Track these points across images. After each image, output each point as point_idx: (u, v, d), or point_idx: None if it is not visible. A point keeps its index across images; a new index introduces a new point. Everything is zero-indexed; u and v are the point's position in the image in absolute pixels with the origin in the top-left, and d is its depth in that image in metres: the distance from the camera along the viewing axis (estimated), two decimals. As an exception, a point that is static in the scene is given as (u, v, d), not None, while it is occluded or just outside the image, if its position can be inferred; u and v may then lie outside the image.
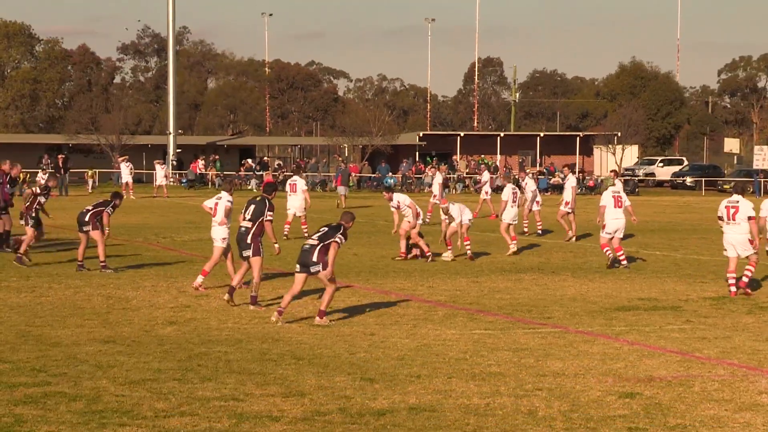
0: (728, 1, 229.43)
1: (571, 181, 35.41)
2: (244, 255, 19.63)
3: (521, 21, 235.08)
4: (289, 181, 34.94)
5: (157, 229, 37.56)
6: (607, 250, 26.43)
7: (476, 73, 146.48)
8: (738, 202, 22.04)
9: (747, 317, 18.94)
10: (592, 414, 11.78)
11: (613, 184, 31.08)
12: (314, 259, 17.21)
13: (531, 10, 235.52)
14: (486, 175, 50.30)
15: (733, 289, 21.44)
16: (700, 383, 13.43)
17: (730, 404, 12.33)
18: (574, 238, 33.61)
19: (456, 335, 16.75)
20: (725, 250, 21.94)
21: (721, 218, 22.08)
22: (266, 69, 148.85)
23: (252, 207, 19.67)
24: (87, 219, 24.35)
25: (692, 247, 32.47)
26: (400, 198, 28.31)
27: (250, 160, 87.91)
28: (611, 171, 43.13)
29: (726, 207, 21.96)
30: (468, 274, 24.67)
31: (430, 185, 46.16)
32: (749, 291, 21.55)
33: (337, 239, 17.17)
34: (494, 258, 28.39)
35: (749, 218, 21.78)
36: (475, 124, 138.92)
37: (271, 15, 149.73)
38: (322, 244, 17.21)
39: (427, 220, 37.02)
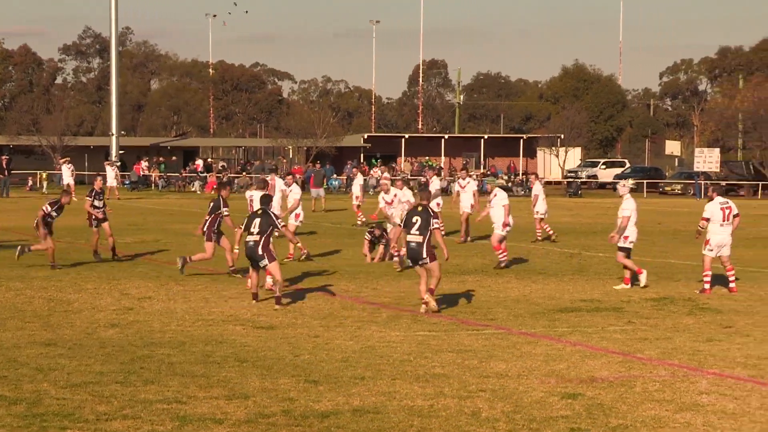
0: (670, 4, 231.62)
1: (536, 188, 35.56)
2: (261, 265, 20.03)
3: (465, 24, 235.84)
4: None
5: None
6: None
7: (421, 75, 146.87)
8: (727, 202, 22.88)
9: (688, 318, 19.11)
10: (535, 415, 11.83)
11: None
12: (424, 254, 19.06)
13: (475, 13, 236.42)
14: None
15: (708, 287, 22.23)
16: (641, 384, 13.53)
17: (671, 404, 12.43)
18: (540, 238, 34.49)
19: (400, 337, 16.76)
20: (711, 250, 22.49)
21: (707, 220, 22.48)
22: (210, 70, 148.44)
23: (257, 221, 20.05)
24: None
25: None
26: (403, 194, 27.84)
27: (200, 162, 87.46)
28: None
29: (721, 209, 22.54)
30: (412, 276, 24.63)
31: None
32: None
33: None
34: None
35: (736, 216, 22.74)
36: (420, 126, 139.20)
37: (215, 16, 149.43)
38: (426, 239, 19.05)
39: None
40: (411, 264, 20.29)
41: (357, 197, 44.18)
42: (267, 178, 27.79)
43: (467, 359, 14.98)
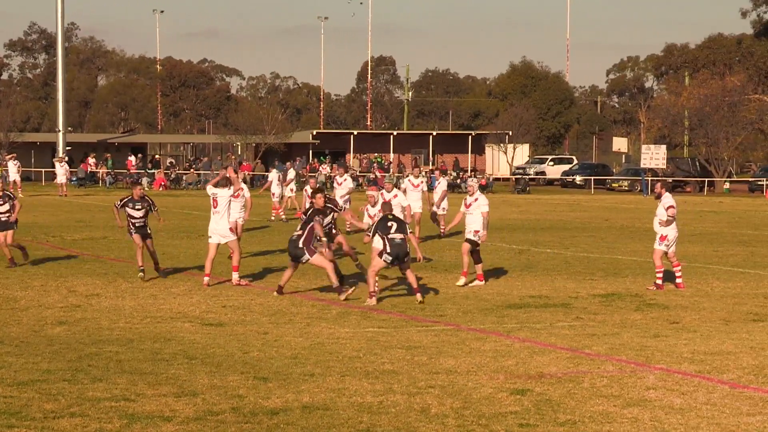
0: (616, 2, 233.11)
1: (442, 185, 35.34)
2: (303, 260, 20.51)
3: (414, 20, 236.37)
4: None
5: (46, 228, 37.00)
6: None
7: (369, 71, 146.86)
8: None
9: (635, 314, 19.26)
10: (484, 411, 11.88)
11: None
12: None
13: (423, 9, 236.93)
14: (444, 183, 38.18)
15: (662, 282, 22.45)
16: (589, 379, 13.61)
17: (619, 400, 12.51)
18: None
19: (349, 333, 16.77)
20: (668, 245, 22.92)
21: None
22: (158, 66, 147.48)
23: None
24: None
25: (582, 245, 32.89)
26: (400, 198, 26.33)
27: (133, 158, 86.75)
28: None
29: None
30: (361, 273, 24.67)
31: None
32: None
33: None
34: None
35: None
36: (369, 123, 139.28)
37: (162, 12, 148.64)
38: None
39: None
40: (394, 262, 20.44)
41: (274, 194, 43.54)
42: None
43: (417, 356, 15.00)
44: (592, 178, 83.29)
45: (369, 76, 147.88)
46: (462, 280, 22.83)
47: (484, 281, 22.98)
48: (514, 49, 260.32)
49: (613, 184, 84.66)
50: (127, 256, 27.60)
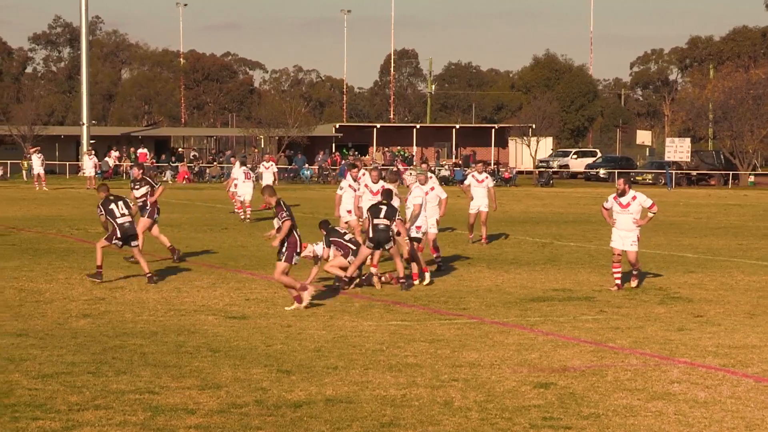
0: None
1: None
2: (386, 247, 21.01)
3: (436, 13, 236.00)
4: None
5: (71, 220, 37.16)
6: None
7: (392, 64, 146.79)
8: None
9: (659, 307, 19.20)
10: (508, 404, 11.86)
11: None
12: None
13: (446, 2, 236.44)
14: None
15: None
16: (613, 373, 13.58)
17: (643, 393, 12.48)
18: None
19: (373, 327, 16.77)
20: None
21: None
22: (181, 60, 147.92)
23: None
24: None
25: (605, 238, 32.57)
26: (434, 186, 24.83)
27: (145, 150, 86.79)
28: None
29: None
30: (384, 266, 24.67)
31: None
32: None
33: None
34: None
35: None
36: (392, 116, 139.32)
37: (185, 5, 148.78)
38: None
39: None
40: (377, 248, 20.98)
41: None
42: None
43: (440, 349, 15.00)
44: (616, 171, 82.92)
45: (392, 69, 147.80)
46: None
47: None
48: (537, 41, 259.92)
49: (637, 177, 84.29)
50: (152, 250, 27.67)
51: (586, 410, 11.65)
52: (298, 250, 18.51)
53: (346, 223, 25.12)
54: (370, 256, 21.36)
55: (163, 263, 24.78)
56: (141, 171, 26.39)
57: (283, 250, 18.27)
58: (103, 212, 21.96)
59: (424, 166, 34.91)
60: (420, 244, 22.96)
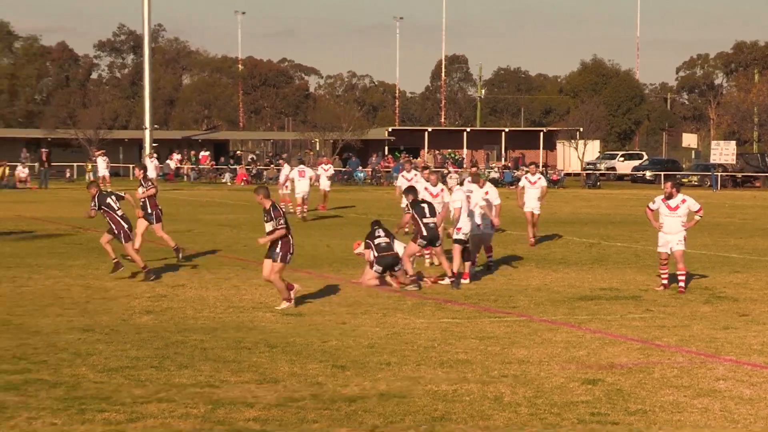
0: (685, 0, 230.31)
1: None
2: (437, 244, 21.50)
3: (486, 20, 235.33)
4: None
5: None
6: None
7: (443, 70, 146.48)
8: None
9: (704, 306, 19.05)
10: (556, 400, 11.82)
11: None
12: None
13: (495, 8, 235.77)
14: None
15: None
16: (659, 370, 13.49)
17: (689, 390, 12.39)
18: None
19: (424, 324, 16.77)
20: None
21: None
22: (239, 66, 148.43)
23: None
24: None
25: (651, 239, 32.29)
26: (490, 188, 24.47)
27: (207, 153, 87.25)
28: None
29: None
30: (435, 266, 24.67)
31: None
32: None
33: None
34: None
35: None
36: (443, 120, 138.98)
37: (244, 13, 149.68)
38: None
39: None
40: (429, 244, 21.51)
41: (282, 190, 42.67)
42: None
43: (490, 345, 14.97)
44: (662, 173, 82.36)
45: (443, 74, 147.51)
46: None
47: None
48: (584, 47, 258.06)
49: (683, 180, 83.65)
50: (212, 247, 27.84)
51: (633, 406, 11.59)
52: (291, 251, 18.16)
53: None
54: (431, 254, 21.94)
55: (224, 262, 24.90)
56: (142, 172, 26.15)
57: (278, 250, 17.89)
58: (96, 206, 22.12)
59: (473, 169, 34.52)
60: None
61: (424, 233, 20.91)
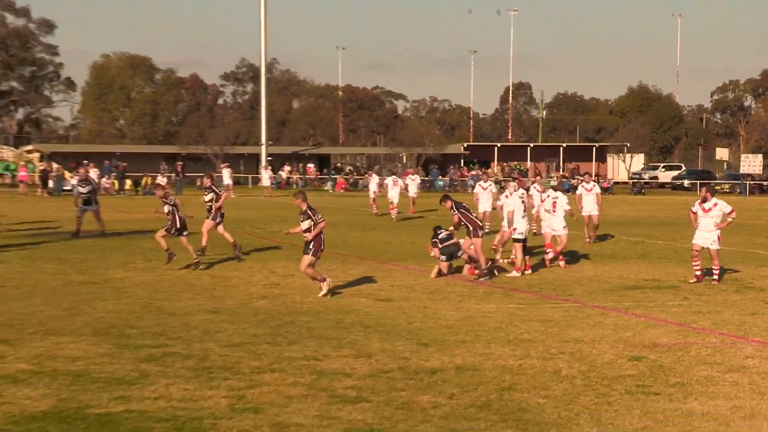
0: (720, 33, 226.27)
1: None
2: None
3: (547, 51, 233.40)
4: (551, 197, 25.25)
5: (252, 222, 37.81)
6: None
7: (510, 95, 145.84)
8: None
9: (735, 295, 18.73)
10: (606, 374, 11.71)
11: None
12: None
13: (555, 42, 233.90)
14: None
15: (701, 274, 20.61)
16: (695, 349, 13.30)
17: (721, 366, 12.20)
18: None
19: (494, 309, 16.71)
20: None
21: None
22: (339, 92, 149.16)
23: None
24: None
25: (689, 238, 31.85)
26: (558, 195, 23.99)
27: (312, 165, 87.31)
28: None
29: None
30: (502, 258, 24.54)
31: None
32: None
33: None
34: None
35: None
36: (510, 137, 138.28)
37: (344, 48, 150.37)
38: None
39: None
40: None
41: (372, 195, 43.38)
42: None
43: (549, 327, 14.87)
44: (698, 182, 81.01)
45: (510, 98, 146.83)
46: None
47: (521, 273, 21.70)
48: (631, 74, 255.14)
49: (716, 187, 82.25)
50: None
51: (672, 379, 11.44)
52: (322, 247, 17.99)
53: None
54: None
55: (326, 256, 25.00)
56: (210, 180, 25.33)
57: (311, 246, 17.77)
58: (170, 205, 22.61)
59: (538, 177, 34.39)
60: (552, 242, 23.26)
61: (480, 224, 21.03)
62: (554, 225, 23.49)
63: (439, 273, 21.13)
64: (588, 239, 29.53)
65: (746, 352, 13.12)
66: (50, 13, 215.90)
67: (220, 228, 24.63)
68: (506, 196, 22.29)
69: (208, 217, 24.51)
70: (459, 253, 21.24)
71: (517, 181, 24.53)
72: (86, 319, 15.03)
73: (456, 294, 18.48)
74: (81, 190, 30.47)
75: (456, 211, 20.94)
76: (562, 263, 23.13)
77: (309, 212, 17.87)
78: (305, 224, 17.94)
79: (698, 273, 20.68)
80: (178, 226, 22.41)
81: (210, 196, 24.63)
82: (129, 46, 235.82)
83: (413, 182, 45.73)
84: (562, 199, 23.71)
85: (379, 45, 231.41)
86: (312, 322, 15.09)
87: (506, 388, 10.94)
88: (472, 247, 20.94)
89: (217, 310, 16.19)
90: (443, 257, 21.21)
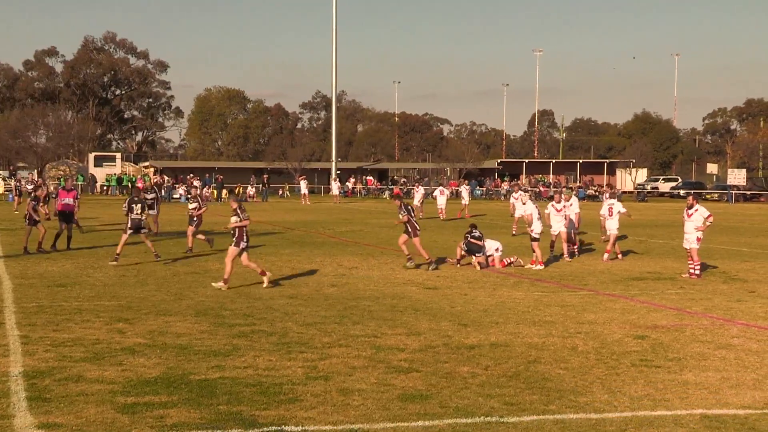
0: (711, 68, 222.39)
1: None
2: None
3: (566, 84, 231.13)
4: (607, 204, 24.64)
5: (323, 224, 37.92)
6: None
7: (536, 119, 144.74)
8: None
9: (723, 285, 18.37)
10: (615, 350, 11.53)
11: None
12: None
13: (573, 76, 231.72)
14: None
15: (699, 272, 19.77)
16: (690, 330, 13.05)
17: (711, 344, 11.95)
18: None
19: (522, 296, 16.55)
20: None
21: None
22: (396, 118, 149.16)
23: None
24: None
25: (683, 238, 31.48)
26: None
27: (372, 177, 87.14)
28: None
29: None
30: (529, 255, 24.31)
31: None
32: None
33: None
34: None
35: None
36: (535, 154, 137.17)
37: (399, 82, 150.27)
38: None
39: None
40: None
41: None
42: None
43: (568, 311, 14.69)
44: (692, 191, 79.77)
45: (536, 122, 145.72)
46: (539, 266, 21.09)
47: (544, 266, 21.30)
48: (637, 102, 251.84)
49: (707, 196, 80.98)
50: (376, 242, 27.98)
51: (671, 354, 11.23)
52: (245, 240, 17.00)
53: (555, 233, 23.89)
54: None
55: (384, 251, 24.97)
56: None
57: (234, 238, 17.05)
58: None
59: (613, 190, 34.04)
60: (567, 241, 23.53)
61: (418, 227, 20.90)
62: (610, 226, 23.58)
63: (458, 261, 21.16)
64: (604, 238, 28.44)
65: (733, 333, 12.85)
66: (164, 55, 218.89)
67: (193, 232, 23.85)
68: (523, 203, 22.41)
69: (192, 225, 23.80)
70: (479, 253, 21.03)
71: (563, 192, 24.34)
72: (189, 302, 15.16)
73: (490, 284, 18.35)
74: (146, 196, 29.63)
75: (405, 213, 20.79)
76: (568, 254, 23.25)
77: (237, 211, 17.25)
78: (234, 219, 17.22)
79: (692, 270, 20.23)
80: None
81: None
82: (226, 81, 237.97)
83: (466, 191, 46.22)
84: (618, 205, 23.99)
85: (428, 80, 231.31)
86: (372, 306, 15.07)
87: (532, 361, 10.82)
88: (420, 242, 20.84)
89: (295, 295, 16.22)
90: (465, 249, 21.17)
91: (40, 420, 7.97)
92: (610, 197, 25.15)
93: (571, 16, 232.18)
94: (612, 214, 23.70)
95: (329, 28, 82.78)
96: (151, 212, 28.22)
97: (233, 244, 17.08)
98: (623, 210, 24.00)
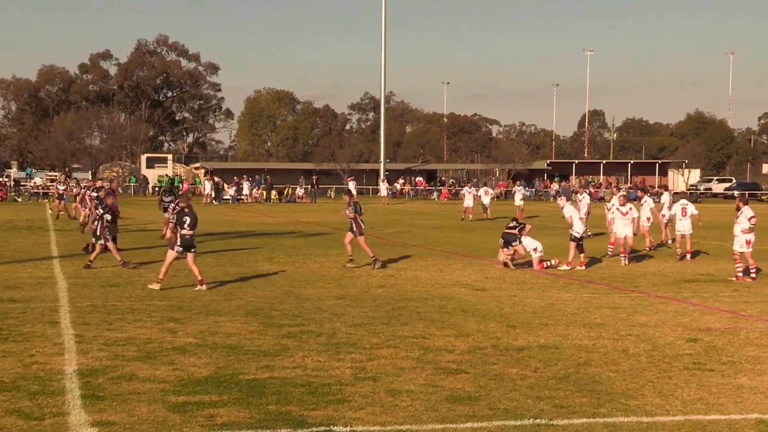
0: (766, 66, 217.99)
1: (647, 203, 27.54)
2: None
3: (618, 83, 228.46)
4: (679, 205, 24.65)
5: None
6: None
7: (587, 120, 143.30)
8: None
9: (779, 288, 17.99)
10: (667, 352, 11.37)
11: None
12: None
13: (624, 75, 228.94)
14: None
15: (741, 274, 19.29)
16: (744, 333, 12.81)
17: (767, 348, 11.71)
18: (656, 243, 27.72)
19: (572, 297, 16.40)
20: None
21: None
22: (444, 119, 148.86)
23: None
24: None
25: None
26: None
27: (400, 179, 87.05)
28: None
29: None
30: (576, 258, 24.04)
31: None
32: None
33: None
34: (598, 245, 27.64)
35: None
36: (586, 155, 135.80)
37: (448, 83, 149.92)
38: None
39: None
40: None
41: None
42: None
43: (619, 313, 14.52)
44: (747, 192, 78.24)
45: (586, 123, 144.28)
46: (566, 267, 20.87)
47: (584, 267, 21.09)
48: (690, 102, 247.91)
49: (762, 197, 79.49)
50: (424, 243, 27.92)
51: (724, 358, 11.03)
52: (179, 243, 16.55)
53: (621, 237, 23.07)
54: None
55: (432, 252, 24.92)
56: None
57: (177, 241, 16.65)
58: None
59: (624, 185, 33.72)
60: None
61: (363, 226, 21.03)
62: (683, 227, 23.53)
63: (506, 263, 21.13)
64: (652, 245, 27.18)
65: (789, 337, 12.58)
66: (215, 57, 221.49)
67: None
68: (562, 207, 22.22)
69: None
70: (514, 243, 21.08)
71: (621, 194, 23.63)
72: (239, 302, 15.29)
73: (540, 285, 18.21)
74: (164, 198, 29.17)
75: (353, 210, 20.86)
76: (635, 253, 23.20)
77: (187, 210, 16.93)
78: (172, 217, 16.89)
79: (739, 273, 19.72)
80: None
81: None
82: (276, 82, 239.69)
83: (519, 192, 46.08)
84: (690, 207, 23.87)
85: (476, 80, 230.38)
86: (420, 307, 15.05)
87: (582, 363, 10.71)
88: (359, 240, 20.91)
89: (343, 296, 16.26)
90: (501, 241, 21.30)
91: (94, 418, 8.11)
92: (682, 198, 25.08)
93: (622, 15, 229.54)
94: (685, 215, 23.58)
95: (378, 29, 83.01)
96: (165, 215, 26.72)
97: (171, 247, 16.73)
98: (695, 212, 23.83)
